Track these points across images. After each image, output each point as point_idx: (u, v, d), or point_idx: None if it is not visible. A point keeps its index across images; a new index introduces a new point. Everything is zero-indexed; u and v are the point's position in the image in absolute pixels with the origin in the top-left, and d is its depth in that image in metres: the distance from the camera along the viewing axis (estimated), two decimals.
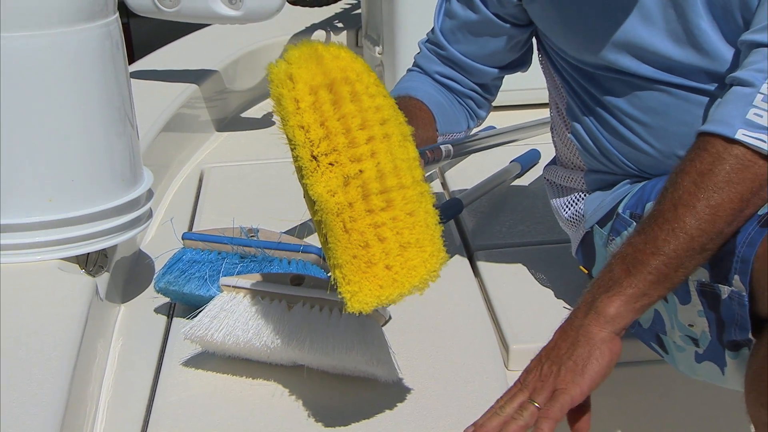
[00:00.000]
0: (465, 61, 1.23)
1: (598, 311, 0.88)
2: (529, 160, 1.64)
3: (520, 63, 1.25)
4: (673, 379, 1.14)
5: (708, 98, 1.02)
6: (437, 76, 1.25)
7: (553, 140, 1.25)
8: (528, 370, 0.90)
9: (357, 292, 0.84)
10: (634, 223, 1.06)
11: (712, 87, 1.02)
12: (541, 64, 1.21)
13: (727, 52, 1.00)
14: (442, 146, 1.23)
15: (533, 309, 1.21)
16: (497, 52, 1.21)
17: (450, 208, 1.41)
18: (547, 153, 1.36)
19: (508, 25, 1.18)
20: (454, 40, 1.23)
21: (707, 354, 0.96)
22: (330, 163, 0.84)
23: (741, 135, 0.87)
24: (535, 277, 1.28)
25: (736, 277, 0.89)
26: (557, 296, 1.24)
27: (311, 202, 0.86)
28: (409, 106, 1.18)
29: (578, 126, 1.14)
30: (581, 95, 1.13)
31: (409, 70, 1.30)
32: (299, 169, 0.87)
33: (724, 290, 0.91)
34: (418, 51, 1.28)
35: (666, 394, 1.18)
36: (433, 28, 1.25)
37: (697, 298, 0.94)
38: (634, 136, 1.09)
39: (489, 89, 1.28)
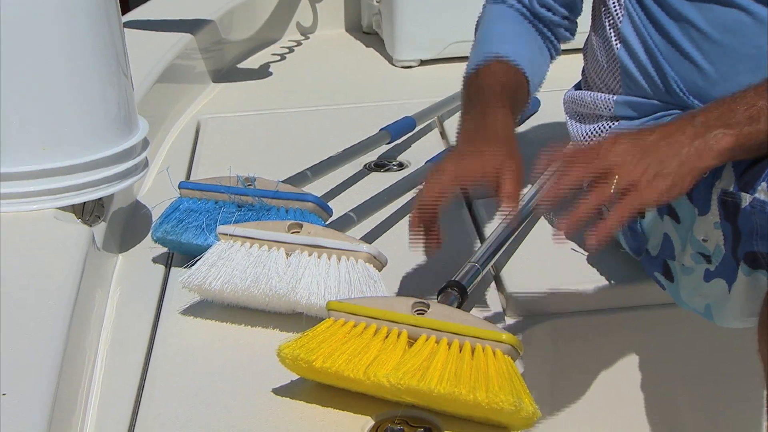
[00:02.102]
0: None
1: (710, 144, 0.86)
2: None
3: None
4: (674, 325, 1.14)
5: None
6: (535, 5, 1.17)
7: (585, 61, 1.19)
8: (613, 149, 0.86)
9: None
10: None
11: None
12: None
13: None
14: None
15: (533, 255, 1.20)
16: None
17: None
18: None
19: None
20: None
21: (718, 270, 0.95)
22: None
23: None
24: (539, 221, 1.27)
25: (763, 184, 0.88)
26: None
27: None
28: (509, 74, 1.08)
29: (634, 39, 1.09)
30: (647, 4, 1.07)
31: (493, 3, 1.19)
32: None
33: (746, 198, 0.89)
34: None
35: (665, 340, 1.19)
36: None
37: (716, 208, 0.93)
38: (698, 53, 1.04)
39: (576, 5, 1.20)
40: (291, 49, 2.13)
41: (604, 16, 1.15)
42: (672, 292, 1.04)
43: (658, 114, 1.09)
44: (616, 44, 1.12)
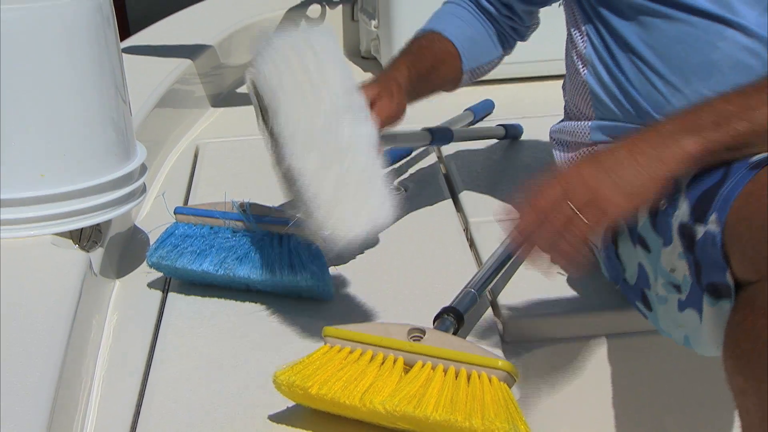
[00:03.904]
0: None
1: (674, 151, 0.88)
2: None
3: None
4: (665, 351, 1.14)
5: (727, 27, 1.00)
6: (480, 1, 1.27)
7: (564, 93, 1.23)
8: (573, 172, 0.89)
9: None
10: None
11: (733, 17, 0.99)
12: (564, 3, 1.20)
13: None
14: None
15: (529, 281, 1.20)
16: None
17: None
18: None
19: None
20: None
21: (689, 300, 0.96)
22: None
23: None
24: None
25: (713, 215, 0.89)
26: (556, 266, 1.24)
27: None
28: (433, 45, 1.21)
29: (597, 62, 1.11)
30: (600, 29, 1.10)
31: (445, 3, 1.31)
32: None
33: (699, 230, 0.90)
34: None
35: (657, 366, 1.18)
36: None
37: (678, 239, 0.94)
38: (652, 72, 1.06)
39: (522, 19, 1.28)
40: None
41: (570, 41, 1.18)
42: (653, 320, 1.05)
43: None
44: (583, 69, 1.14)
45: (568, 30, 1.19)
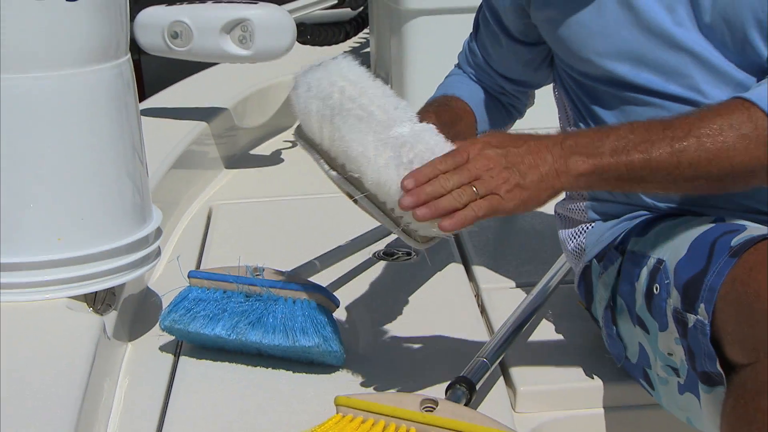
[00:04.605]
0: (486, 66, 1.28)
1: (569, 168, 0.92)
2: None
3: (534, 84, 1.30)
4: (675, 426, 1.13)
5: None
6: (471, 76, 1.31)
7: None
8: (482, 153, 0.92)
9: None
10: (621, 258, 1.08)
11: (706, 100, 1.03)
12: (554, 93, 1.23)
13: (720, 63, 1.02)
14: None
15: (540, 350, 1.20)
16: (511, 66, 1.26)
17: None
18: None
19: (516, 43, 1.21)
20: (480, 44, 1.28)
21: (687, 384, 0.97)
22: None
23: None
24: (543, 317, 1.28)
25: (702, 305, 0.91)
26: (565, 337, 1.23)
27: None
28: (451, 103, 1.23)
29: None
30: (583, 114, 1.14)
31: (451, 74, 1.34)
32: None
33: (691, 319, 0.92)
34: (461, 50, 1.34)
35: None
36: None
37: (673, 325, 0.96)
38: None
39: (517, 98, 1.32)
40: None
41: (560, 121, 1.22)
42: (657, 398, 1.06)
43: (630, 215, 1.12)
44: None
45: (562, 126, 1.22)
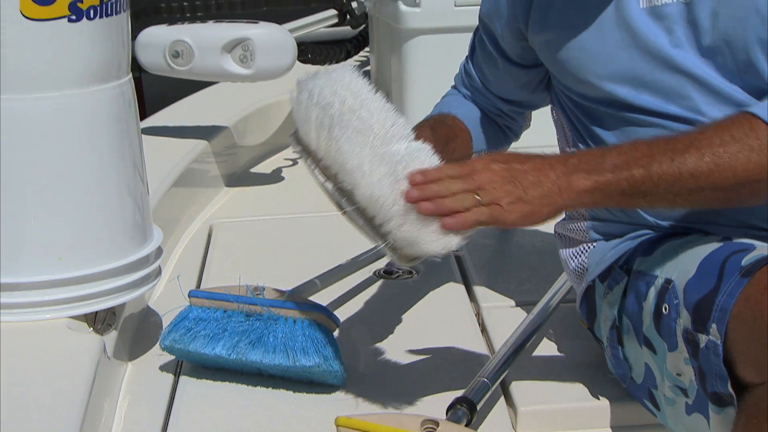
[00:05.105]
0: (482, 88, 1.29)
1: (571, 184, 0.94)
2: None
3: (531, 105, 1.31)
4: None
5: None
6: (467, 97, 1.32)
7: None
8: (488, 167, 0.94)
9: None
10: (627, 278, 1.07)
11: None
12: (552, 115, 1.24)
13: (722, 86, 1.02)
14: None
15: (541, 370, 1.20)
16: (508, 88, 1.27)
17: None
18: None
19: (513, 65, 1.22)
20: (476, 66, 1.29)
21: (696, 404, 0.96)
22: None
23: None
24: (544, 336, 1.27)
25: (714, 326, 0.90)
26: (566, 357, 1.23)
27: None
28: (447, 121, 1.25)
29: None
30: (583, 135, 1.14)
31: (447, 94, 1.35)
32: None
33: (702, 339, 0.92)
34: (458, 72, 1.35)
35: None
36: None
37: (683, 345, 0.95)
38: None
39: (513, 117, 1.32)
40: None
41: (558, 142, 1.23)
42: (662, 419, 1.05)
43: (633, 234, 1.12)
44: None
45: (561, 147, 1.22)
